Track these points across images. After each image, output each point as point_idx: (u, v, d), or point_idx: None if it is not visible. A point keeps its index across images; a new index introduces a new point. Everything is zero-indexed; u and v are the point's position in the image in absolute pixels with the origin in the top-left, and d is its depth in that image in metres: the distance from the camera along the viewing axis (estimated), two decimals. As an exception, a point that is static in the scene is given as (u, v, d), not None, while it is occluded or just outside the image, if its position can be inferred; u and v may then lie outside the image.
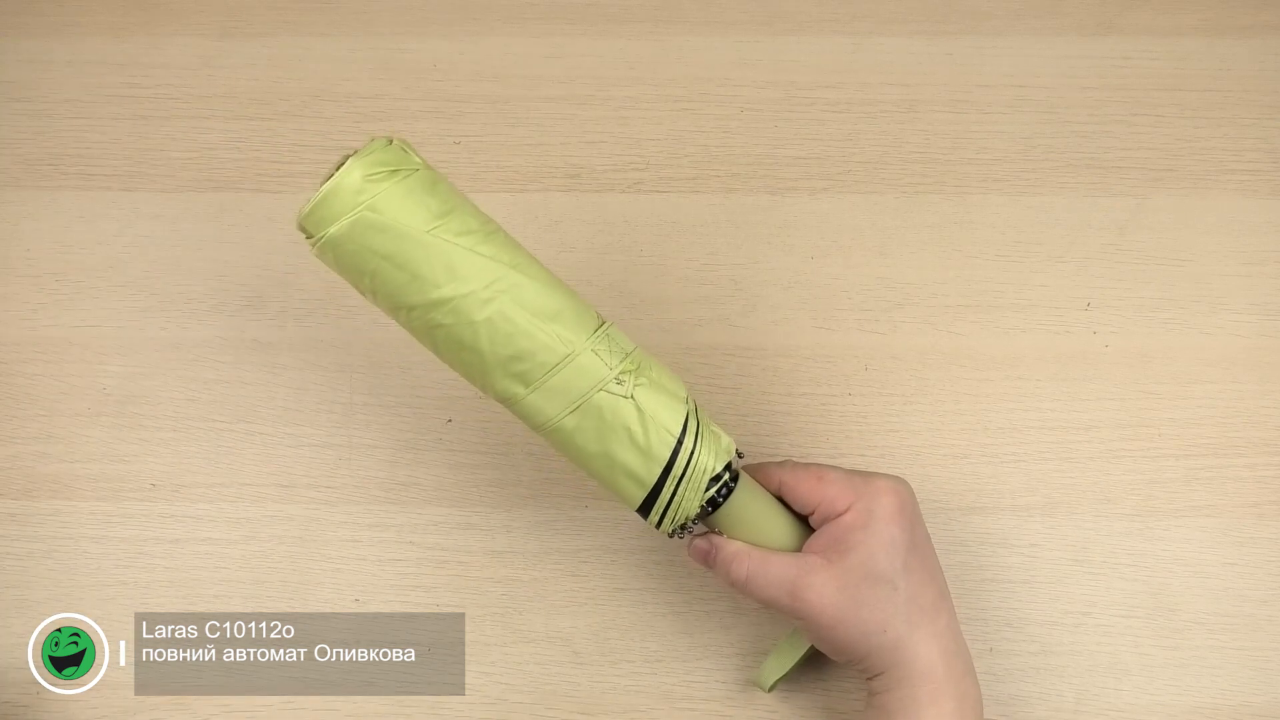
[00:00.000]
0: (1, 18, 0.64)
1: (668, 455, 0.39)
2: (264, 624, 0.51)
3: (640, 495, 0.40)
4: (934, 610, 0.41)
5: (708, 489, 0.40)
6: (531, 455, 0.53)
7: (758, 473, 0.44)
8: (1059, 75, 0.60)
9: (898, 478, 0.43)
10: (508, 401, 0.40)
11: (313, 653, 0.50)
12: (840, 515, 0.41)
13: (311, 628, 0.51)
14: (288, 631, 0.50)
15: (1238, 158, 0.58)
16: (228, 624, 0.51)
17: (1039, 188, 0.58)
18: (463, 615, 0.51)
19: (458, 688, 0.50)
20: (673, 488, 0.40)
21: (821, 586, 0.40)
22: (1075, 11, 0.62)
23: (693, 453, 0.40)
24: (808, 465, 0.43)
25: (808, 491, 0.42)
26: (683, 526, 0.41)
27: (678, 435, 0.39)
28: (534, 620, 0.51)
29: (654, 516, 0.41)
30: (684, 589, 0.51)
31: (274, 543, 0.52)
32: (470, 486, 0.53)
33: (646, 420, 0.39)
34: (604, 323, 0.40)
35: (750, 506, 0.42)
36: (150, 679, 0.50)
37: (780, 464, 0.44)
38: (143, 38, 0.63)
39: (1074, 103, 0.59)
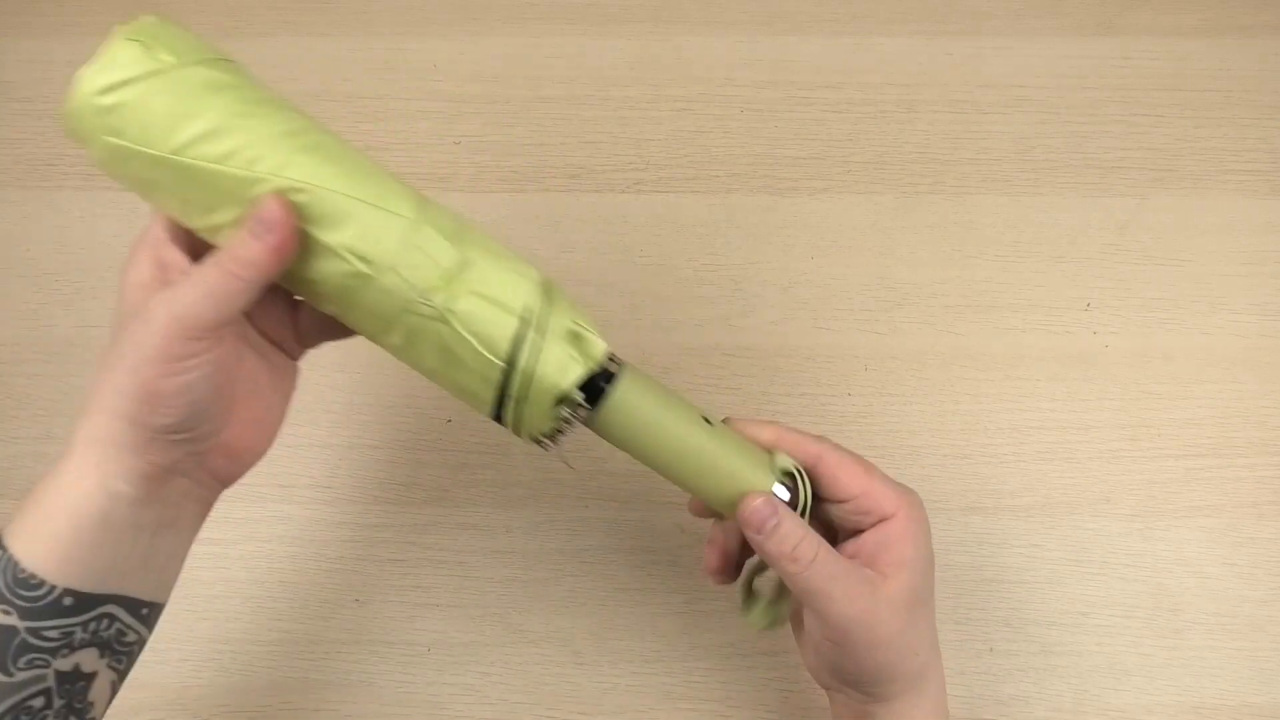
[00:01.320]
0: (1, 18, 0.64)
1: (498, 377, 0.35)
2: (264, 624, 0.51)
3: (487, 410, 0.36)
4: (936, 638, 0.39)
5: (562, 404, 0.36)
6: (531, 455, 0.53)
7: (790, 441, 0.39)
8: (1059, 75, 0.60)
9: None
10: (340, 318, 0.36)
11: (313, 652, 0.50)
12: (887, 520, 0.37)
13: (311, 628, 0.51)
14: (287, 631, 0.50)
15: (1238, 158, 0.58)
16: (227, 623, 0.51)
17: (1039, 188, 0.58)
18: (463, 615, 0.51)
19: (458, 688, 0.50)
20: (515, 408, 0.35)
21: (890, 607, 0.36)
22: (1075, 11, 0.62)
23: (530, 371, 0.35)
24: (851, 453, 0.39)
25: (851, 479, 0.38)
26: (550, 435, 0.37)
27: (504, 357, 0.34)
28: (534, 620, 0.51)
29: (510, 427, 0.36)
30: (684, 589, 0.51)
31: (274, 543, 0.52)
32: (470, 486, 0.53)
33: (466, 342, 0.34)
34: (419, 219, 0.34)
35: (639, 413, 0.37)
36: (150, 679, 0.50)
37: (818, 439, 0.39)
38: (143, 38, 0.63)
39: (1074, 103, 0.59)
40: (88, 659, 0.33)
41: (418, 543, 0.52)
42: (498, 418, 0.36)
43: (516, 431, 0.36)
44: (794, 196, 0.58)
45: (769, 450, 0.38)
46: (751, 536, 0.37)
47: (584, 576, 0.51)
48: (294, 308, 0.39)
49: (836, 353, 0.55)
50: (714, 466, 0.37)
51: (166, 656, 0.50)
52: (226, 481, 0.38)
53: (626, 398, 0.37)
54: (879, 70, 0.60)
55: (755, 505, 0.36)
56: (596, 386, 0.36)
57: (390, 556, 0.52)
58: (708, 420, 0.38)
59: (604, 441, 0.38)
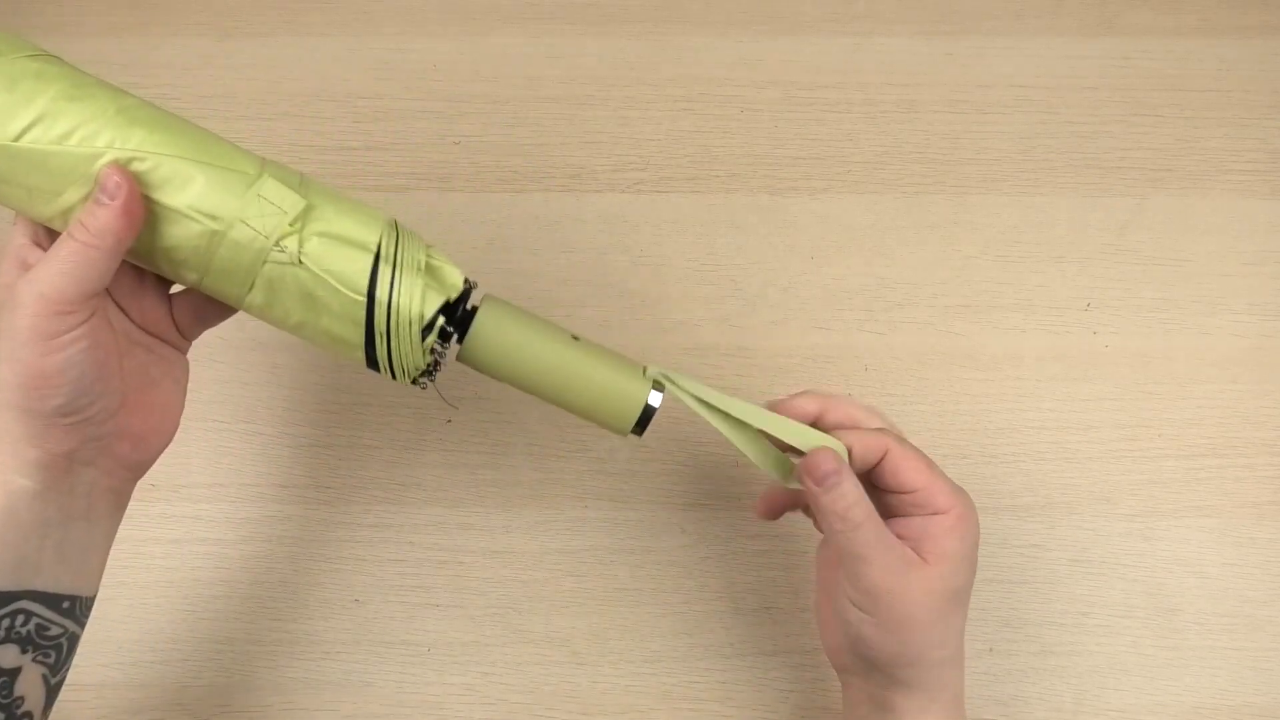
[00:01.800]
0: (1, 18, 0.64)
1: (362, 315, 0.36)
2: (264, 624, 0.51)
3: (359, 355, 0.37)
4: (964, 639, 0.39)
5: (430, 334, 0.37)
6: (531, 455, 0.53)
7: (857, 437, 0.39)
8: (1059, 75, 0.60)
9: None
10: (198, 289, 0.37)
11: (313, 652, 0.50)
12: (940, 514, 0.38)
13: (311, 628, 0.51)
14: (287, 631, 0.50)
15: (1238, 158, 0.58)
16: (227, 623, 0.51)
17: (1039, 188, 0.58)
18: (463, 615, 0.51)
19: (458, 688, 0.50)
20: (384, 345, 0.36)
21: (923, 589, 0.36)
22: (1075, 11, 0.62)
23: (390, 303, 0.35)
24: (914, 447, 0.40)
25: (915, 474, 0.38)
26: (426, 372, 0.38)
27: (363, 292, 0.35)
28: (534, 620, 0.51)
29: (385, 373, 0.37)
30: (684, 589, 0.51)
31: (274, 543, 0.52)
32: (470, 486, 0.53)
33: (324, 282, 0.35)
34: (261, 174, 0.35)
35: (506, 336, 0.38)
36: (150, 679, 0.50)
37: (880, 431, 0.40)
38: (143, 38, 0.63)
39: (1074, 103, 0.59)
40: (7, 655, 0.33)
41: (418, 543, 0.52)
42: (373, 363, 0.37)
43: (394, 374, 0.37)
44: (794, 196, 0.58)
45: (640, 365, 0.40)
46: (810, 487, 0.38)
47: (584, 576, 0.51)
48: (167, 299, 0.40)
49: (836, 353, 0.55)
50: (587, 379, 0.38)
51: (167, 656, 0.50)
52: (136, 470, 0.38)
53: (490, 321, 0.38)
54: (879, 70, 0.60)
55: (821, 458, 0.37)
56: (463, 318, 0.37)
57: (390, 556, 0.52)
58: (575, 338, 0.39)
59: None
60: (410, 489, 0.53)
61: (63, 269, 0.33)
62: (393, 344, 0.36)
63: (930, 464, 0.39)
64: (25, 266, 0.35)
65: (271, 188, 0.35)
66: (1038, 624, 0.50)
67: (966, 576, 0.38)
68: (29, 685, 0.34)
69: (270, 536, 0.52)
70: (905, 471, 0.38)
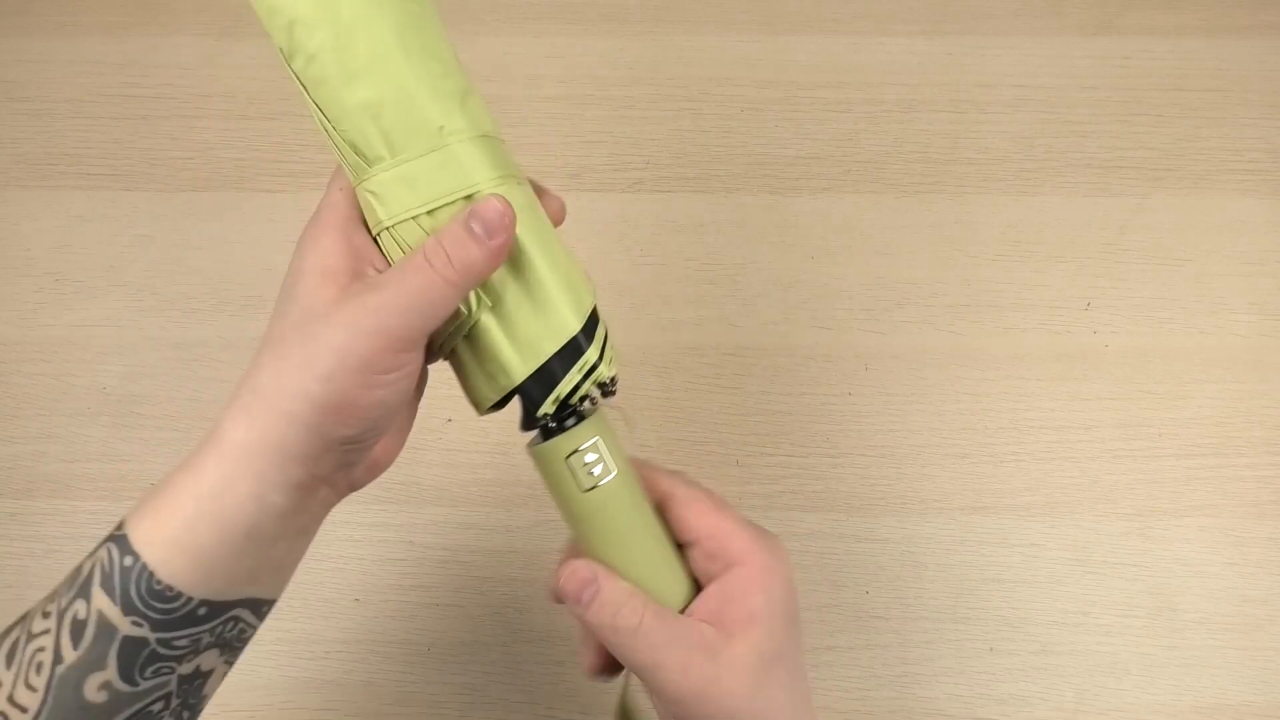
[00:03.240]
0: (1, 18, 0.64)
1: (512, 386, 0.32)
2: (264, 624, 0.50)
3: (477, 396, 0.34)
4: (807, 697, 0.34)
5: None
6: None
7: (644, 470, 0.35)
8: (1059, 75, 0.60)
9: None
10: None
11: (313, 652, 0.50)
12: (736, 566, 0.33)
13: (311, 628, 0.51)
14: (287, 631, 0.50)
15: (1238, 157, 0.58)
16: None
17: (1039, 188, 0.58)
18: (463, 615, 0.51)
19: (458, 688, 0.50)
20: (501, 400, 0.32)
21: (734, 674, 0.31)
22: (1075, 11, 0.62)
23: (553, 395, 0.32)
24: (705, 490, 0.35)
25: (697, 517, 0.33)
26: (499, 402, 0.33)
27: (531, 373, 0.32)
28: (534, 620, 0.51)
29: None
30: (684, 589, 0.51)
31: (274, 543, 0.52)
32: (470, 486, 0.53)
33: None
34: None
35: (627, 498, 0.33)
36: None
37: (672, 473, 0.35)
38: (143, 38, 0.63)
39: (1074, 103, 0.59)
40: (208, 659, 0.32)
41: (418, 543, 0.52)
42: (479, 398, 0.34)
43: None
44: (794, 196, 0.58)
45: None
46: (572, 609, 0.32)
47: (584, 576, 0.51)
48: None
49: (836, 353, 0.55)
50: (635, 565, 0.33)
51: (166, 656, 0.50)
52: (354, 489, 0.35)
53: (615, 494, 0.33)
54: (879, 70, 0.60)
55: (571, 569, 0.33)
56: (567, 412, 0.33)
57: (390, 556, 0.52)
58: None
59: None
60: (410, 489, 0.53)
61: (413, 303, 0.29)
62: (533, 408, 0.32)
63: (721, 504, 0.34)
64: (352, 250, 0.31)
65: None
66: (1038, 623, 0.50)
67: (781, 631, 0.32)
68: (213, 683, 0.33)
69: (270, 536, 0.52)
70: (688, 516, 0.33)
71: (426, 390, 0.36)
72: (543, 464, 0.34)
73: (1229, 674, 0.49)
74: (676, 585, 0.33)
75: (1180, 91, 0.60)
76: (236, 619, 0.32)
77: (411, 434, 0.55)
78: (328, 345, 0.29)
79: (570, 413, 0.33)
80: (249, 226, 0.58)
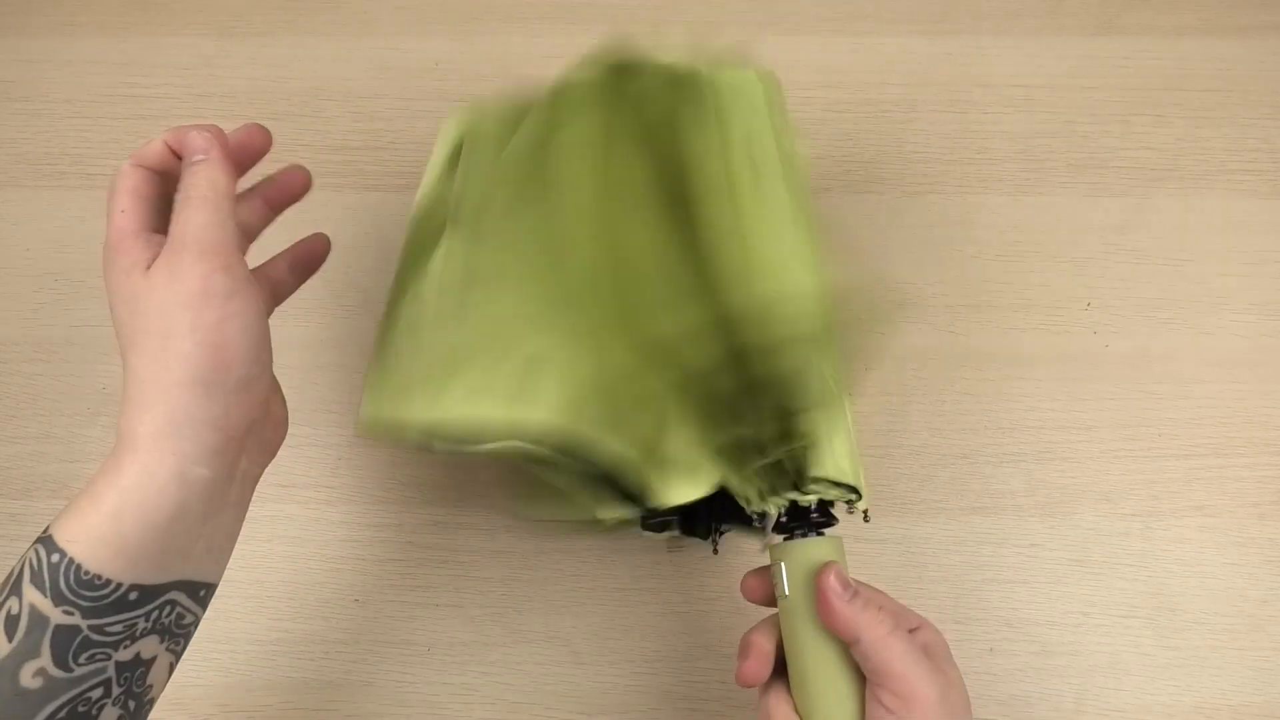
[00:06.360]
0: (1, 18, 0.64)
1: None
2: (264, 624, 0.50)
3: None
4: None
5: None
6: (531, 455, 0.53)
7: (826, 608, 0.35)
8: (1059, 75, 0.60)
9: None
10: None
11: (313, 652, 0.50)
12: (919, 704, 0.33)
13: (311, 628, 0.51)
14: (287, 631, 0.50)
15: (1238, 158, 0.58)
16: (227, 623, 0.50)
17: (1039, 188, 0.58)
18: (463, 615, 0.51)
19: (458, 688, 0.50)
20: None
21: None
22: (1075, 11, 0.62)
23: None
24: (899, 632, 0.34)
25: (881, 653, 0.34)
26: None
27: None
28: (534, 620, 0.51)
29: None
30: (684, 589, 0.51)
31: (274, 543, 0.52)
32: (470, 486, 0.53)
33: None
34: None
35: (796, 624, 0.37)
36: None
37: (864, 604, 0.35)
38: (143, 38, 0.63)
39: (1074, 103, 0.59)
40: (148, 646, 0.32)
41: (418, 543, 0.52)
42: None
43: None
44: (794, 196, 0.58)
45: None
46: (831, 602, 0.35)
47: (584, 576, 0.51)
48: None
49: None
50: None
51: (166, 656, 0.50)
52: (271, 454, 0.38)
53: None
54: (879, 70, 0.60)
55: (833, 573, 0.35)
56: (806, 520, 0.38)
57: (390, 556, 0.52)
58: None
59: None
60: (410, 489, 0.53)
61: (206, 219, 0.33)
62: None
63: (908, 649, 0.34)
64: (136, 195, 0.35)
65: None
66: (1038, 624, 0.50)
67: None
68: (158, 673, 0.34)
69: (270, 536, 0.52)
70: (871, 655, 0.34)
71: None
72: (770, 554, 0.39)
73: (1229, 674, 0.49)
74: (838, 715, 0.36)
75: (1180, 91, 0.60)
76: (173, 603, 0.33)
77: (411, 434, 0.55)
78: (174, 305, 0.32)
79: (804, 522, 0.38)
80: (249, 226, 0.58)
